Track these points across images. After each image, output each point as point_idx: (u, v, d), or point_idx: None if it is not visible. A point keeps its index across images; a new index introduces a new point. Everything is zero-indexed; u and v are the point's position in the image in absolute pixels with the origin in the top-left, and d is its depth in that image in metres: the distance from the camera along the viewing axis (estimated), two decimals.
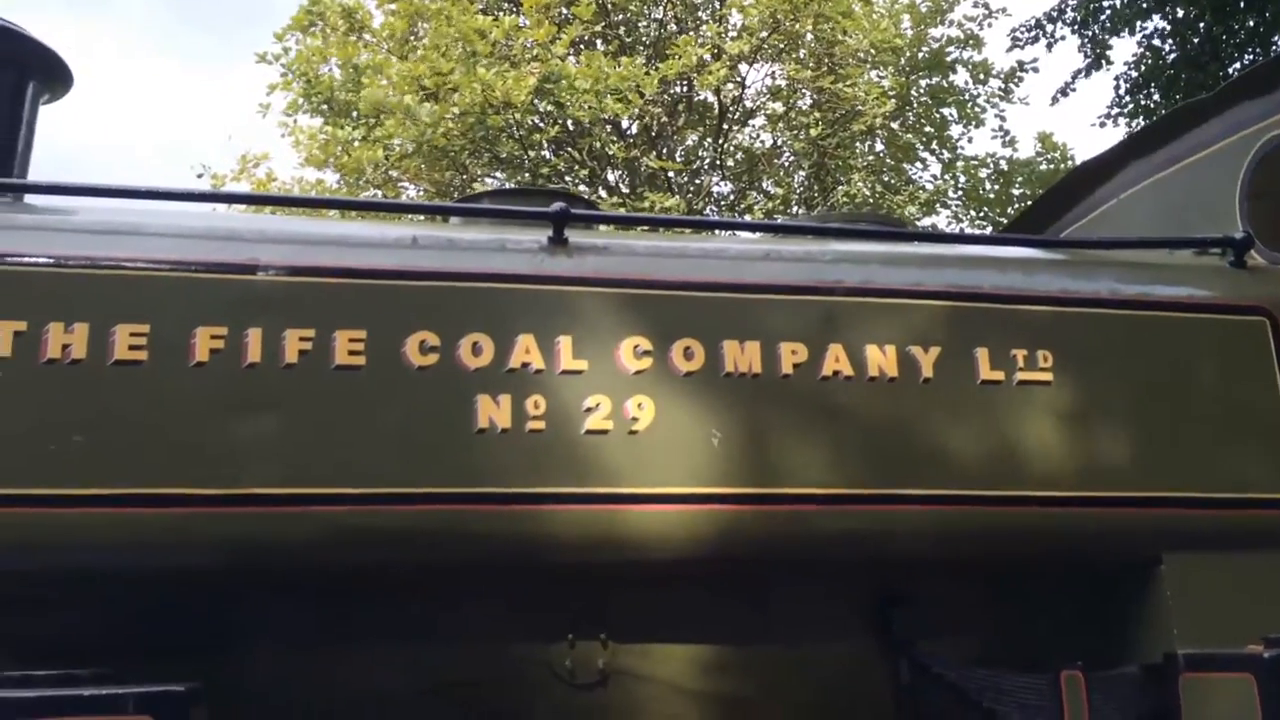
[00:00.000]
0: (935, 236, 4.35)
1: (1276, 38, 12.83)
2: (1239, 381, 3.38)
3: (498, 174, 15.74)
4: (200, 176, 15.48)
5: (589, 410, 2.95)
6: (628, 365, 3.03)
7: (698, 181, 16.46)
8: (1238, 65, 12.63)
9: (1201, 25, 13.12)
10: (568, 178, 15.59)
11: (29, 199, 3.30)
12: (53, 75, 3.64)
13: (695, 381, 3.05)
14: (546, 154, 15.43)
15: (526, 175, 14.98)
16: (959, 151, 17.34)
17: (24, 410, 2.66)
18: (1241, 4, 12.66)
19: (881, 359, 3.16)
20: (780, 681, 3.12)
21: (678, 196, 14.94)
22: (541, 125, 14.68)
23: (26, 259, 2.80)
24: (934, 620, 3.19)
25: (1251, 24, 12.89)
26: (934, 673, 3.08)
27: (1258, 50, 12.89)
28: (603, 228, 4.00)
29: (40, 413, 2.66)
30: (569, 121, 14.60)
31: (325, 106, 14.82)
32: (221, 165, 16.28)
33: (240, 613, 2.92)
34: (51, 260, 2.80)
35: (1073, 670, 3.04)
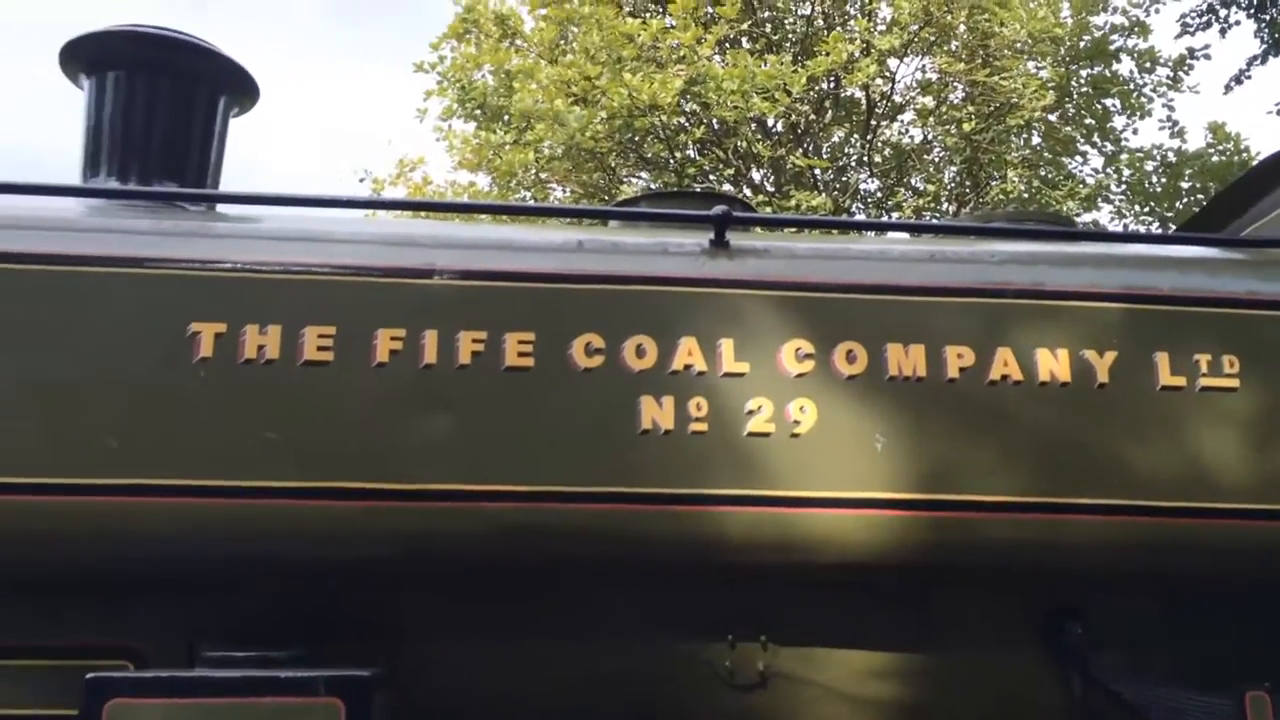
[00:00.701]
0: (1108, 236, 4.18)
1: None
2: None
3: (643, 175, 15.90)
4: (362, 181, 16.18)
5: (751, 413, 2.97)
6: (789, 368, 3.03)
7: (844, 179, 16.24)
8: None
9: None
10: (712, 177, 15.61)
11: (219, 208, 3.54)
12: (242, 90, 3.87)
13: (858, 385, 3.04)
14: (692, 154, 15.48)
15: (672, 175, 15.07)
16: (1123, 144, 16.58)
17: (223, 407, 2.84)
18: None
19: (1053, 364, 3.08)
20: (944, 690, 3.07)
21: (824, 195, 14.77)
22: (688, 126, 14.73)
23: (225, 265, 2.99)
24: (1107, 633, 3.08)
25: None
26: (1108, 688, 2.98)
27: None
28: (760, 229, 4.00)
29: (237, 410, 2.84)
30: (714, 121, 14.61)
31: (478, 112, 15.24)
32: (381, 169, 16.92)
33: (414, 604, 3.05)
34: (247, 266, 2.99)
35: (1258, 691, 2.89)
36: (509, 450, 2.89)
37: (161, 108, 3.61)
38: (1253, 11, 13.56)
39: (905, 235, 4.47)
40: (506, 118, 14.74)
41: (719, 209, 3.27)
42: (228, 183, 3.94)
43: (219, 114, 3.80)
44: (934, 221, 11.33)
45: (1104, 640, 3.06)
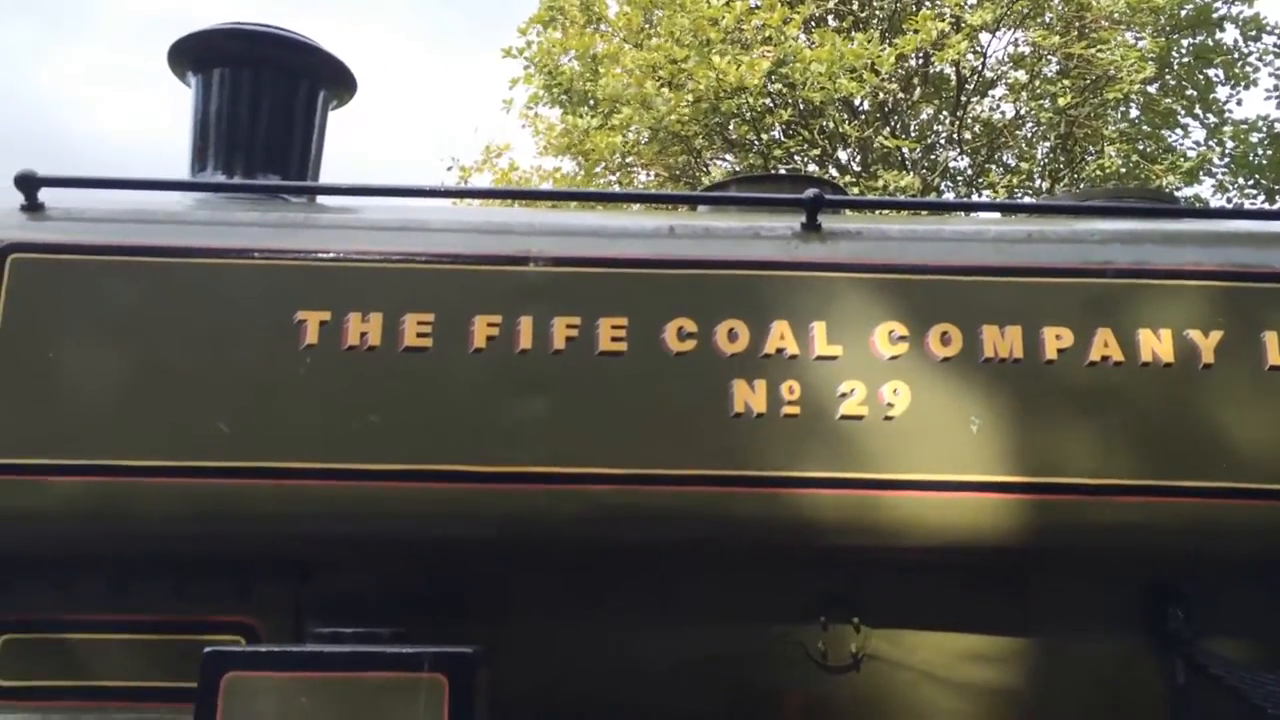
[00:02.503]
0: (1213, 213, 4.06)
1: None
2: None
3: (728, 157, 15.83)
4: (450, 169, 16.43)
5: (844, 396, 2.97)
6: (882, 351, 3.02)
7: (933, 157, 15.95)
8: None
9: None
10: (798, 158, 15.47)
11: (320, 199, 3.65)
12: (340, 83, 3.98)
13: (952, 367, 3.01)
14: (778, 135, 15.36)
15: (757, 157, 14.99)
16: (1226, 115, 15.95)
17: (328, 393, 2.94)
18: None
19: (1156, 344, 3.02)
20: (1043, 675, 3.03)
21: (912, 174, 14.53)
22: (774, 107, 14.63)
23: (328, 255, 3.09)
24: (1211, 619, 3.01)
25: None
26: (1212, 674, 2.91)
27: None
28: (851, 211, 3.98)
29: (341, 395, 2.94)
30: (800, 102, 14.47)
31: (564, 97, 15.35)
32: (468, 156, 17.15)
33: (512, 583, 3.12)
34: (349, 256, 3.08)
35: None
36: (603, 434, 2.93)
37: (264, 103, 3.74)
38: None
39: (999, 215, 4.39)
40: (592, 102, 14.81)
41: (810, 192, 3.27)
42: (326, 173, 4.06)
43: (319, 108, 3.91)
44: (1031, 201, 11.05)
45: (1207, 626, 2.99)
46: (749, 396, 2.96)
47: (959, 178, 16.58)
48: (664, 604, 3.11)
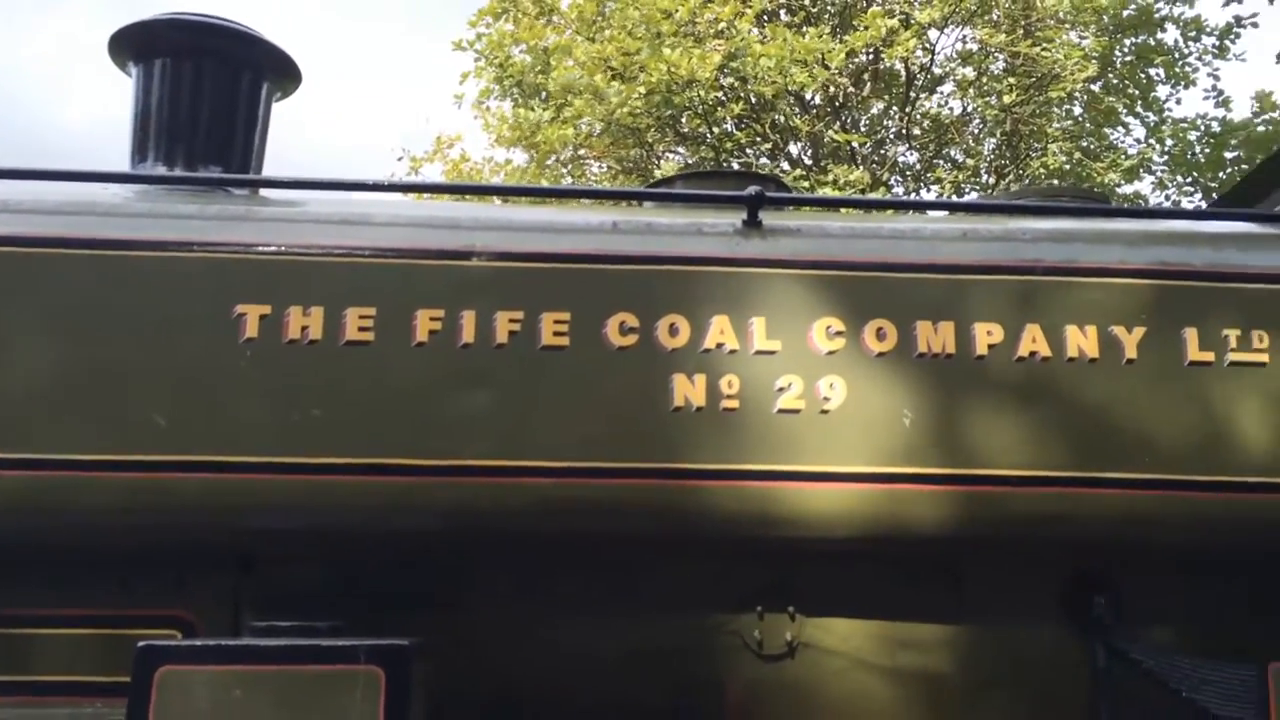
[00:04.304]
0: (1143, 212, 4.18)
1: None
2: None
3: (680, 150, 15.89)
4: (400, 159, 16.33)
5: (781, 390, 3.03)
6: (820, 346, 3.08)
7: (882, 152, 16.13)
8: None
9: None
10: (749, 152, 15.57)
11: (263, 191, 3.63)
12: (284, 74, 3.96)
13: (887, 362, 3.08)
14: (730, 129, 15.44)
15: (709, 150, 15.06)
16: (1166, 114, 16.29)
17: (268, 386, 2.95)
18: None
19: (1082, 339, 3.11)
20: (971, 660, 3.12)
21: (862, 169, 14.67)
22: (725, 100, 14.69)
23: (269, 248, 3.09)
24: (1132, 606, 3.11)
25: None
26: (1131, 659, 3.01)
27: None
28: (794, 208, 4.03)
29: (282, 389, 2.94)
30: (752, 96, 14.55)
31: (515, 89, 15.30)
32: (419, 146, 17.05)
33: (455, 576, 3.15)
34: (291, 249, 3.08)
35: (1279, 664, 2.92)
36: (545, 427, 2.97)
37: (206, 94, 3.71)
38: None
39: (944, 213, 4.50)
40: (544, 95, 14.78)
41: (752, 189, 3.32)
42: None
43: (262, 99, 3.89)
44: (967, 200, 11.25)
45: (1128, 612, 3.10)
46: (689, 391, 3.01)
47: (908, 173, 16.78)
48: (605, 596, 3.15)
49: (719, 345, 3.06)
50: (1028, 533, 3.03)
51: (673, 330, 3.06)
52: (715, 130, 15.07)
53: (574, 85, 13.66)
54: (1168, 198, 15.79)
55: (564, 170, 15.19)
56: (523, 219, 3.43)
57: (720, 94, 14.52)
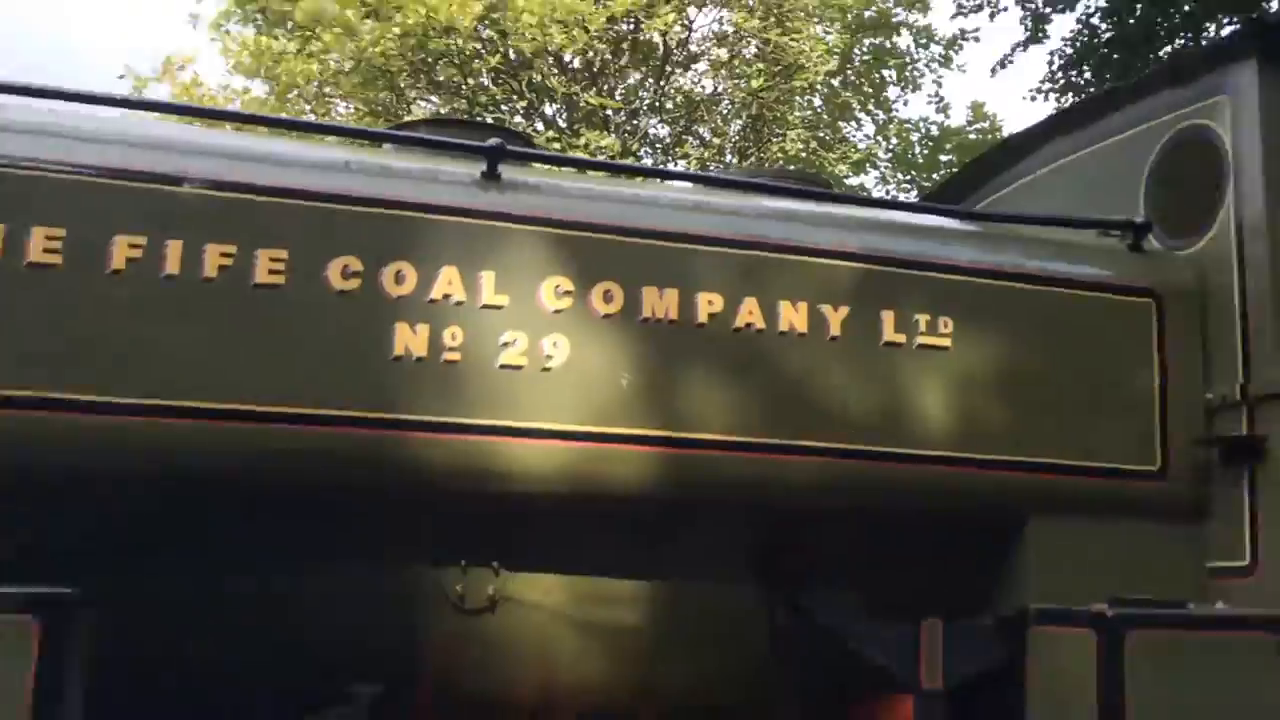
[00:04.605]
0: (860, 200, 4.48)
1: (1209, 25, 13.15)
2: (1121, 359, 3.58)
3: (433, 98, 15.51)
4: (122, 78, 14.98)
5: (505, 345, 3.03)
6: (547, 304, 3.10)
7: (636, 122, 16.41)
8: (1169, 49, 12.93)
9: (1138, 7, 13.37)
10: (505, 108, 15.41)
11: None
12: None
13: (612, 324, 3.14)
14: (486, 82, 15.21)
15: (463, 102, 14.78)
16: (894, 114, 17.54)
17: None
18: None
19: (793, 315, 3.28)
20: (666, 616, 3.25)
21: (614, 136, 14.88)
22: (483, 53, 14.45)
23: None
24: (818, 567, 3.35)
25: (1186, 9, 13.17)
26: (806, 617, 3.25)
27: (1189, 36, 13.19)
28: (540, 166, 4.03)
29: None
30: (511, 51, 14.39)
31: (259, 15, 14.38)
32: (145, 65, 15.71)
33: (146, 525, 2.95)
34: None
35: (933, 620, 3.24)
36: (253, 369, 2.82)
37: None
38: (1019, 0, 14.52)
39: (688, 185, 4.68)
40: (290, 24, 13.98)
41: (493, 141, 3.28)
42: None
43: None
44: (705, 173, 11.66)
45: (810, 573, 3.33)
46: (410, 340, 2.95)
47: (658, 145, 17.18)
48: (306, 547, 3.04)
49: (446, 296, 3.01)
50: (728, 495, 3.19)
51: (399, 278, 2.99)
52: (470, 82, 14.81)
53: (323, 17, 13.00)
54: (888, 191, 17.02)
55: (307, 107, 14.45)
56: (246, 148, 3.22)
57: (479, 45, 14.27)
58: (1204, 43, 12.44)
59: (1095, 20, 13.91)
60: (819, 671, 3.40)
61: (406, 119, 12.70)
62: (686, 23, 15.93)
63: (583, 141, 14.10)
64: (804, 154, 15.56)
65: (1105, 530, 3.47)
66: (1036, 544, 3.44)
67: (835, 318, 3.31)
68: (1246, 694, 3.14)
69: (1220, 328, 3.63)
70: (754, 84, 15.39)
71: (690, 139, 16.75)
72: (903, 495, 3.31)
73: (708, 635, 3.31)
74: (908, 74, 17.30)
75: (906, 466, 3.27)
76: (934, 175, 16.79)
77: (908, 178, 17.22)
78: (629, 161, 12.61)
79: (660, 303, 3.20)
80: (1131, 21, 13.40)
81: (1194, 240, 3.80)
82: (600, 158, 13.17)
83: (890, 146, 17.26)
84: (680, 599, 3.28)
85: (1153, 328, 3.62)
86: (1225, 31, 12.60)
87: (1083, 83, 13.77)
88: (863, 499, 3.28)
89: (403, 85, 14.74)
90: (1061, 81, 14.17)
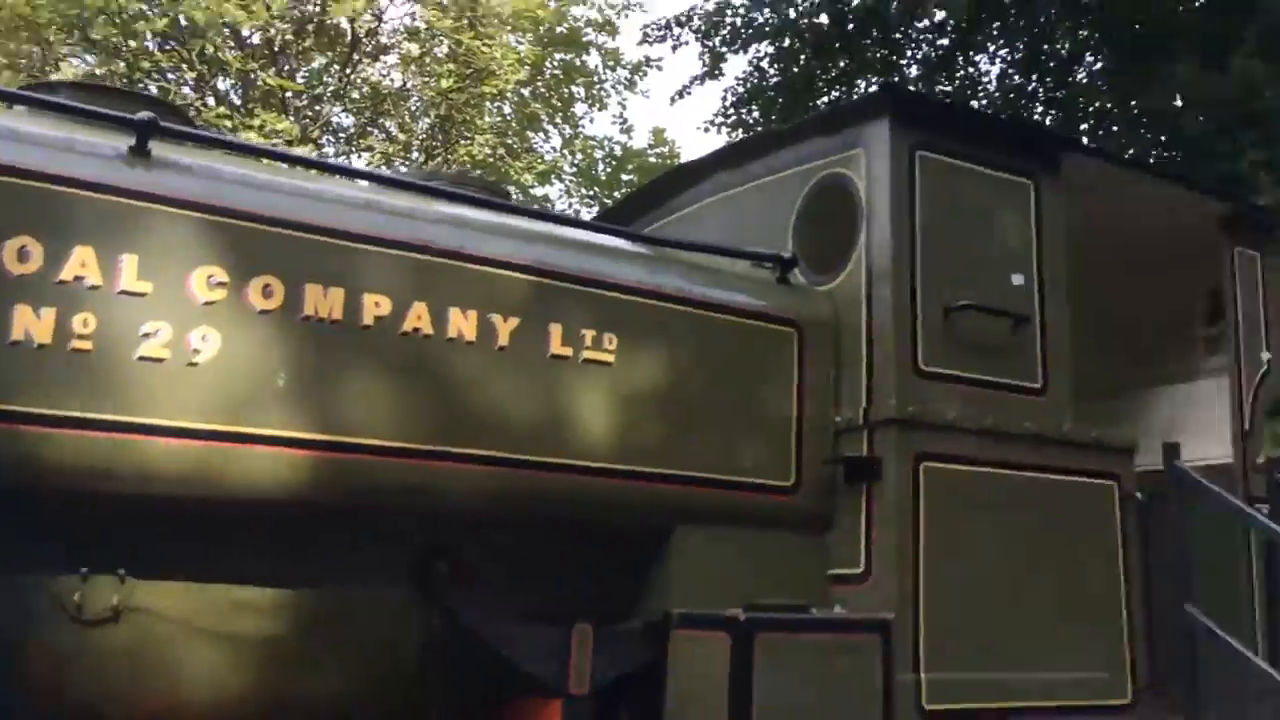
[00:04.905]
0: (535, 213, 4.54)
1: (860, 81, 14.55)
2: (764, 382, 3.87)
3: (88, 57, 14.10)
4: None
5: (146, 336, 2.81)
6: (198, 294, 2.91)
7: (317, 108, 15.76)
8: (825, 100, 14.18)
9: (802, 58, 14.56)
10: (171, 77, 14.29)
11: None
12: None
13: (270, 320, 3.00)
14: (150, 45, 14.02)
15: (122, 65, 13.55)
16: (580, 130, 18.01)
17: None
18: (837, 46, 14.20)
19: (462, 322, 3.28)
20: (313, 625, 3.13)
21: (293, 120, 14.20)
22: (149, 14, 13.31)
23: None
24: (471, 573, 3.35)
25: (843, 65, 14.51)
26: (462, 623, 3.25)
27: (844, 89, 14.53)
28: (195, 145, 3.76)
29: None
30: (181, 17, 13.36)
31: None
32: None
33: None
34: None
35: (584, 625, 3.35)
36: None
37: None
38: (700, 36, 15.37)
39: (364, 182, 4.49)
40: None
41: (144, 115, 3.03)
42: None
43: None
44: (374, 170, 11.45)
45: (467, 579, 3.33)
46: (32, 324, 2.66)
47: (341, 134, 16.60)
48: None
49: (78, 279, 2.75)
50: (383, 501, 3.13)
51: (22, 254, 2.69)
52: (132, 44, 13.59)
53: None
54: (571, 205, 17.44)
55: None
56: None
57: (144, 5, 13.14)
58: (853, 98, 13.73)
59: (765, 64, 14.99)
60: (470, 678, 3.40)
61: (63, 79, 11.51)
62: (377, 13, 15.51)
63: (258, 122, 13.32)
64: (491, 160, 15.60)
65: (743, 540, 3.73)
66: (682, 552, 3.64)
67: (504, 328, 3.34)
68: (856, 687, 3.48)
69: (849, 358, 4.01)
70: (444, 83, 15.23)
71: (375, 131, 16.31)
72: (560, 504, 3.38)
73: (355, 645, 3.21)
74: (595, 92, 17.83)
75: (565, 476, 3.35)
76: (616, 193, 17.41)
77: (591, 193, 17.73)
78: (300, 152, 12.02)
79: (324, 301, 3.09)
80: (795, 70, 14.56)
81: (832, 277, 4.18)
82: (276, 142, 12.53)
83: (575, 161, 17.69)
84: (328, 607, 3.16)
85: (794, 355, 3.94)
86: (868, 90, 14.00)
87: (751, 120, 14.78)
88: (522, 507, 3.33)
89: (51, 39, 13.28)
90: (733, 117, 15.14)
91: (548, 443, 3.34)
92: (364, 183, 3.83)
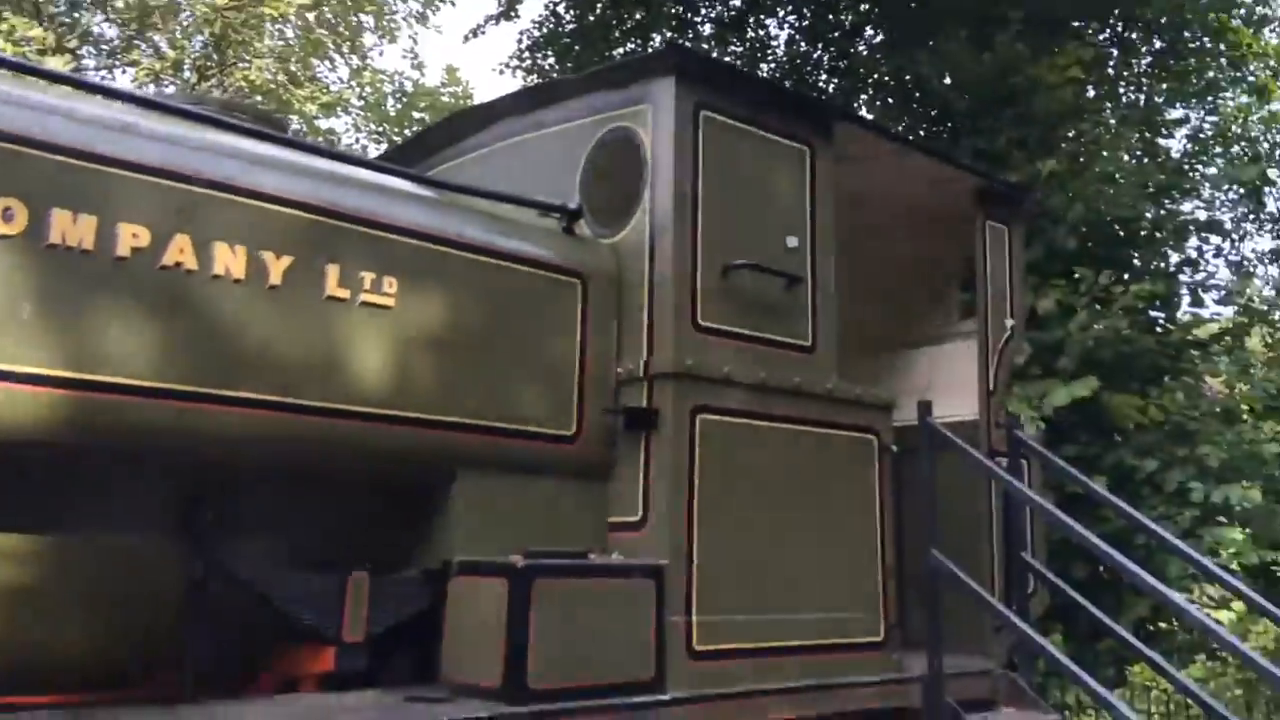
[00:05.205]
0: (315, 149, 4.32)
1: (654, 35, 14.62)
2: (547, 332, 3.88)
3: None
4: None
5: None
6: None
7: (75, 15, 14.43)
8: (620, 51, 14.18)
9: (599, 6, 14.48)
10: None
11: None
12: None
13: (11, 247, 2.75)
14: None
15: None
16: (369, 62, 17.30)
17: None
18: None
19: (230, 258, 3.11)
20: (61, 573, 2.92)
21: (46, 28, 12.95)
22: None
23: None
24: (239, 520, 3.22)
25: (639, 17, 14.52)
26: (229, 571, 3.12)
27: (639, 42, 14.57)
28: None
29: None
30: None
31: None
32: None
33: None
34: None
35: (359, 573, 3.29)
36: None
37: None
38: None
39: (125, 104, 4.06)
40: None
41: None
42: None
43: None
44: (138, 91, 10.59)
45: (235, 526, 3.19)
46: None
47: (103, 46, 15.29)
48: None
49: None
50: (141, 444, 2.94)
51: None
52: None
53: None
54: (359, 140, 16.80)
55: None
56: None
57: None
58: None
59: (560, 10, 14.82)
60: (239, 628, 3.27)
61: None
62: None
63: (5, 28, 12.08)
64: (272, 86, 14.78)
65: (524, 488, 3.75)
66: (463, 500, 3.61)
67: (276, 266, 3.19)
68: (630, 630, 3.58)
69: (631, 310, 4.07)
70: (219, 1, 14.26)
71: (142, 45, 15.11)
72: (335, 450, 3.29)
73: (109, 594, 3.01)
74: (385, 23, 17.14)
75: (339, 421, 3.25)
76: (407, 129, 16.86)
77: (380, 129, 17.10)
78: (53, 64, 10.94)
79: (74, 229, 2.86)
80: (591, 19, 14.48)
81: (617, 230, 4.22)
82: (25, 51, 11.42)
83: (364, 94, 16.99)
84: (79, 555, 2.95)
85: (577, 306, 3.96)
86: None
87: (547, 65, 14.62)
88: (293, 453, 3.21)
89: None
90: (528, 61, 14.92)
91: (322, 387, 3.22)
92: (124, 104, 3.54)
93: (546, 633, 3.28)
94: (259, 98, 14.29)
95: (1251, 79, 14.42)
